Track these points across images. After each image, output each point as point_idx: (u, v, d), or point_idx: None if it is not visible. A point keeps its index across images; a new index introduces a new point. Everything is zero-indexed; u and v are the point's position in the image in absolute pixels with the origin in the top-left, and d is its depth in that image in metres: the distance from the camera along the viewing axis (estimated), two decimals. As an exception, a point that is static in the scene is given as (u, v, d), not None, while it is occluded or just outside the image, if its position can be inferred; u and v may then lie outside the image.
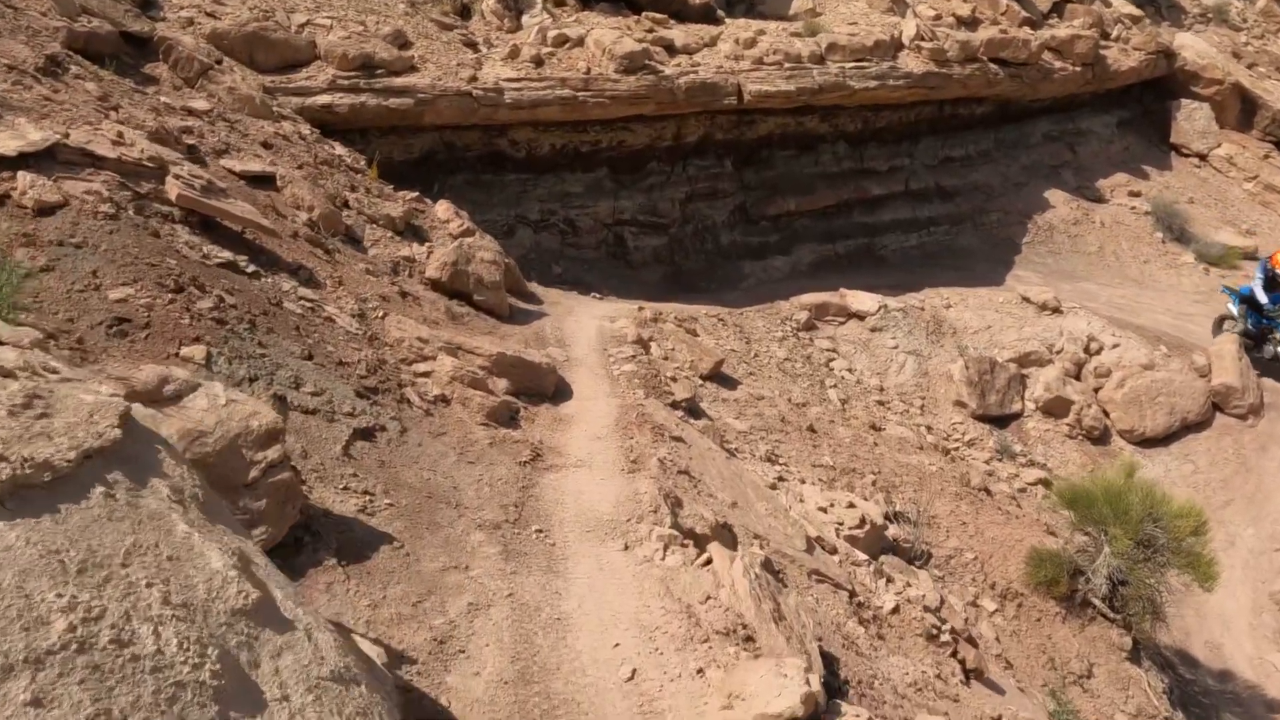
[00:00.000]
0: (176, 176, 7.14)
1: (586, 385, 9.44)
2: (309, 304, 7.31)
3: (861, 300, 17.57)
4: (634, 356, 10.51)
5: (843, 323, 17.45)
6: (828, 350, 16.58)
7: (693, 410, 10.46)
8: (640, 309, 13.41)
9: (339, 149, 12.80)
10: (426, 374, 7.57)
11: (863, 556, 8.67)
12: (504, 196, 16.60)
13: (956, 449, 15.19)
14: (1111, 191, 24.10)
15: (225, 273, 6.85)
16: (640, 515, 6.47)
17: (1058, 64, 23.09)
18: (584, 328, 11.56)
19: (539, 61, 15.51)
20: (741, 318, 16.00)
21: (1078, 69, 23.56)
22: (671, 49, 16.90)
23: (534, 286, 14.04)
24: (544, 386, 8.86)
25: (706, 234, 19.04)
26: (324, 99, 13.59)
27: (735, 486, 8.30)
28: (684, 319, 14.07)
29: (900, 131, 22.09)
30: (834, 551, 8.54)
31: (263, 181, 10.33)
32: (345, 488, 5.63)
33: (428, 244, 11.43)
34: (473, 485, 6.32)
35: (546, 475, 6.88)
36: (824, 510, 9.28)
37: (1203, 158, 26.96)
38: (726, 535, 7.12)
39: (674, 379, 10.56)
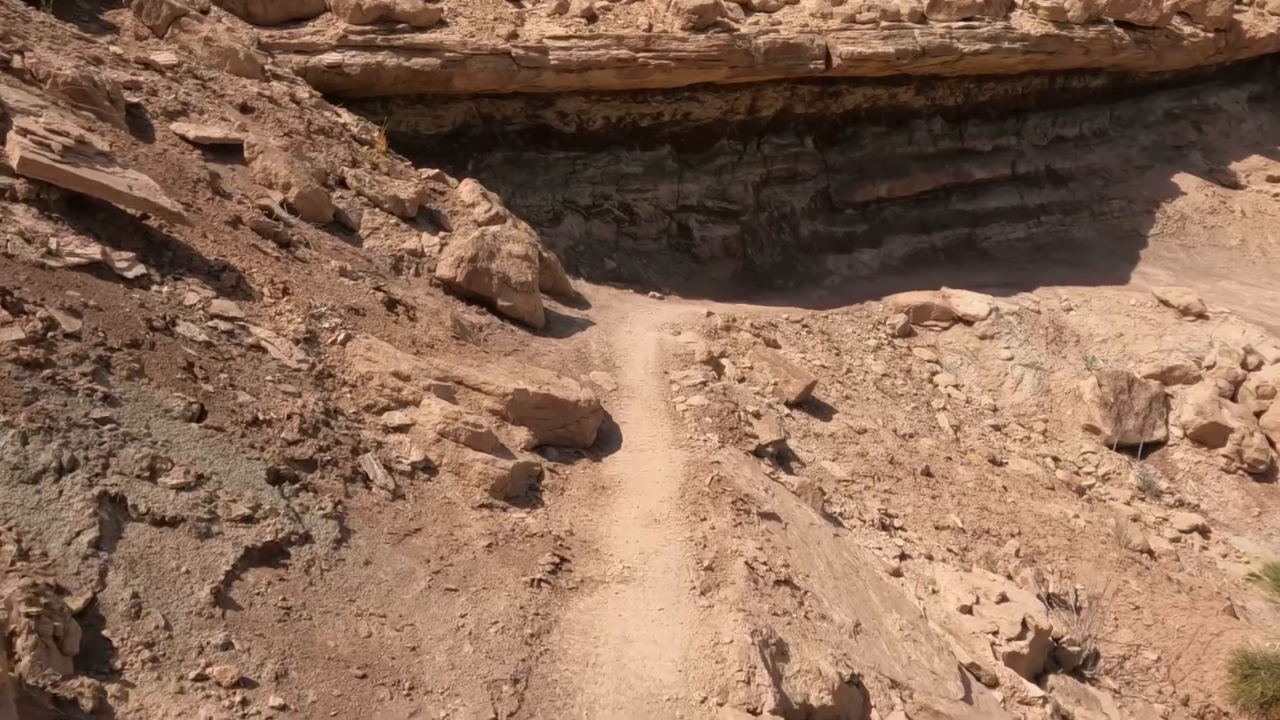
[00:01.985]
0: (23, 133, 4.64)
1: (641, 427, 6.86)
2: (225, 326, 4.78)
3: (968, 301, 14.65)
4: (703, 384, 7.83)
5: (946, 328, 14.56)
6: (929, 362, 13.72)
7: (781, 456, 7.82)
8: (708, 314, 10.73)
9: (344, 116, 10.31)
10: (403, 428, 5.01)
11: (1033, 691, 5.93)
12: (549, 178, 14.00)
13: (1092, 486, 12.27)
14: (1248, 176, 20.67)
15: (83, 279, 4.35)
16: (724, 688, 3.84)
17: (1186, 29, 19.72)
18: (640, 341, 8.91)
19: (592, 17, 12.85)
20: (828, 323, 13.21)
21: (1209, 35, 20.16)
22: (748, 5, 14.11)
23: (581, 285, 11.46)
24: (582, 433, 6.28)
25: (784, 223, 16.24)
26: (332, 58, 11.11)
27: (852, 590, 5.63)
28: (761, 326, 11.35)
29: (1005, 107, 19.00)
30: (994, 684, 5.84)
31: (226, 152, 7.90)
32: (199, 677, 3.08)
33: (442, 234, 8.88)
34: (445, 641, 3.73)
35: (572, 606, 4.27)
36: (968, 610, 6.57)
37: (1350, 138, 23.26)
38: (854, 698, 4.45)
39: (756, 415, 7.85)
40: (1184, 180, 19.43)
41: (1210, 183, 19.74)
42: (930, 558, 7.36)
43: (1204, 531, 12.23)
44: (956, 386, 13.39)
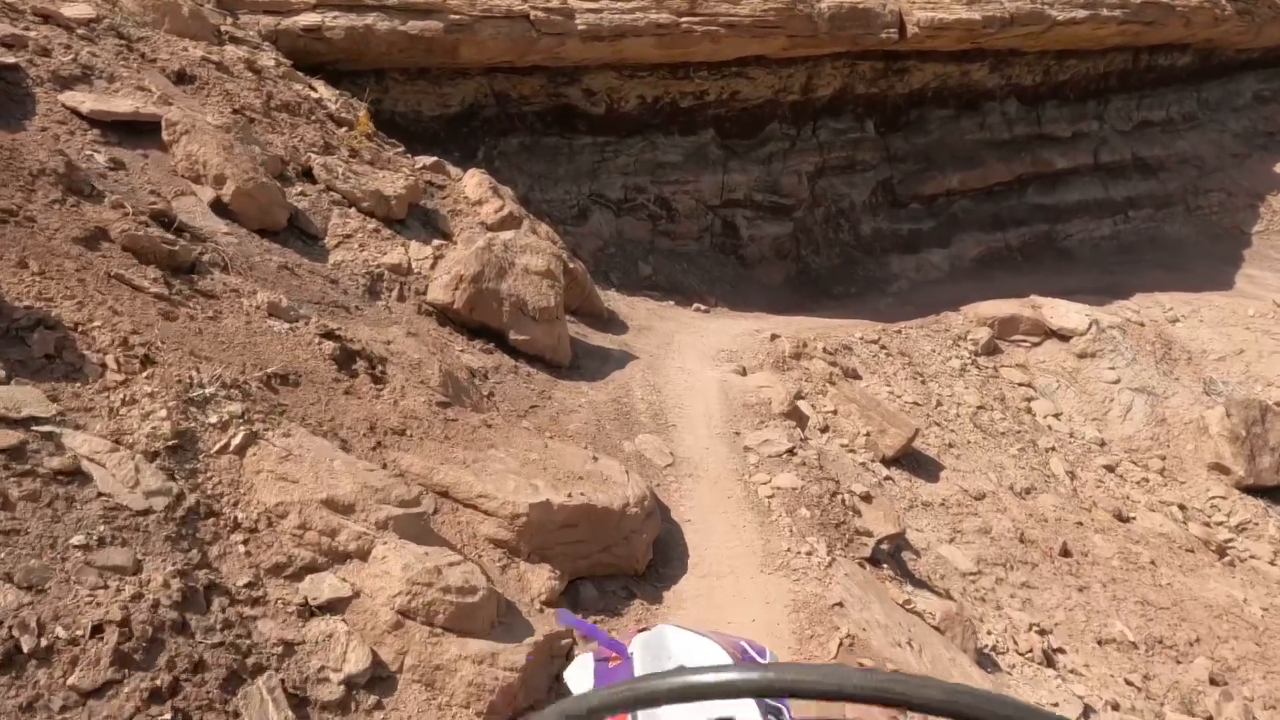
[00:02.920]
0: None
1: (715, 530, 4.68)
2: (12, 437, 2.61)
3: (1062, 313, 12.35)
4: (790, 451, 5.61)
5: (1037, 343, 12.26)
6: (1022, 385, 11.44)
7: (897, 552, 5.63)
8: (772, 337, 8.52)
9: (321, 90, 8.12)
10: (336, 607, 2.86)
11: None
12: (574, 168, 11.79)
13: (1230, 543, 10.01)
14: (1351, 167, 18.16)
15: None
16: None
17: (1289, 0, 17.25)
18: (696, 383, 6.69)
19: (626, -25, 10.61)
20: (904, 341, 10.94)
21: (1313, 7, 17.66)
22: (807, -36, 11.82)
23: (613, 298, 9.29)
24: (631, 555, 4.08)
25: (841, 219, 13.96)
26: (309, 19, 8.93)
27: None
28: (834, 350, 9.14)
29: (1086, 87, 16.61)
30: None
31: (138, 133, 5.77)
32: None
33: (437, 243, 6.68)
34: None
35: None
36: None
37: None
38: None
39: (865, 497, 5.64)
40: (1289, 171, 16.99)
41: (1316, 173, 17.28)
42: (1116, 707, 5.15)
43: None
44: (1056, 416, 11.10)
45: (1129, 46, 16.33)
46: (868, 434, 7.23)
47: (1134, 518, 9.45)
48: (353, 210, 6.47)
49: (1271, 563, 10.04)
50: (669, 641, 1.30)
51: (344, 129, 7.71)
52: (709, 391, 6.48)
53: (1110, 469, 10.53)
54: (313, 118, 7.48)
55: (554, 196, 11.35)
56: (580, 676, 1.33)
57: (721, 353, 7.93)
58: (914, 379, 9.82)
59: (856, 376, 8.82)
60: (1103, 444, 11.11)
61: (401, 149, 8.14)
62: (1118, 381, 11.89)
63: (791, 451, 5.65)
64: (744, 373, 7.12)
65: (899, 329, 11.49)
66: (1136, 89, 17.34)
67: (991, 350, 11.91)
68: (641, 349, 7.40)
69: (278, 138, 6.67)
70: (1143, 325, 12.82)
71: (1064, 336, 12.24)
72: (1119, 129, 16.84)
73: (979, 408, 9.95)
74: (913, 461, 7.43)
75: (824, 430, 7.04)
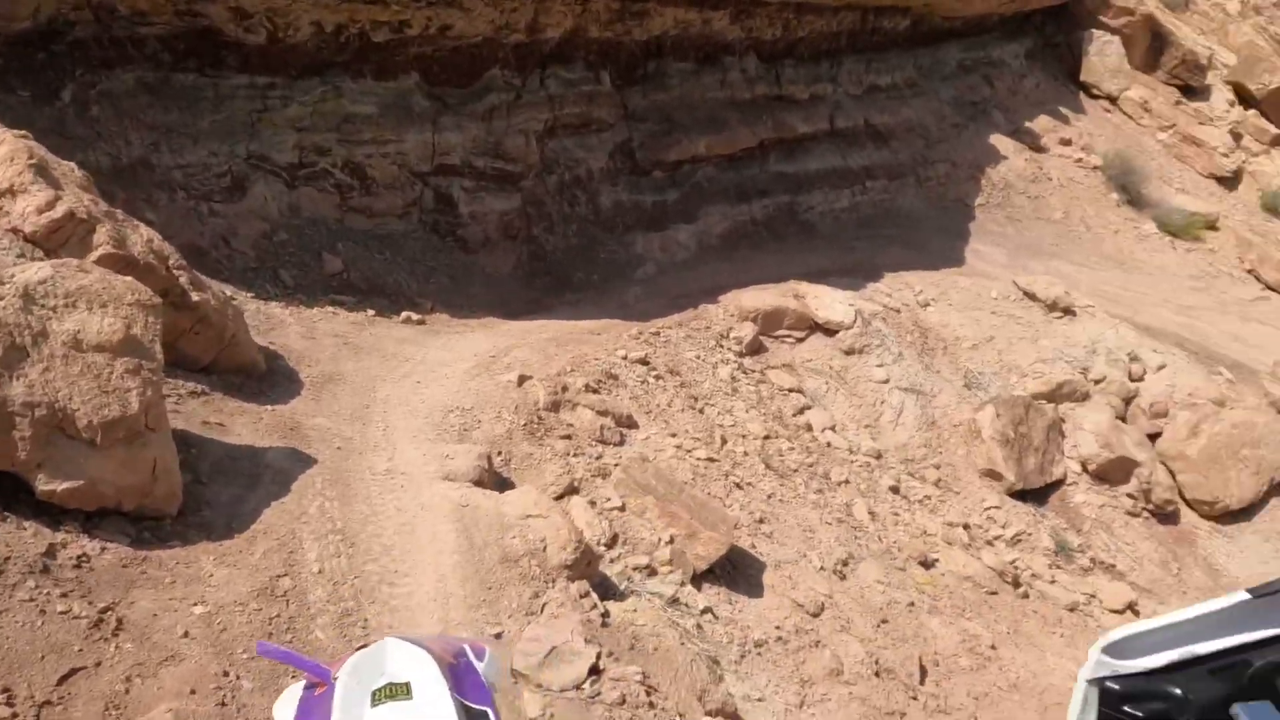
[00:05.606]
0: None
1: None
2: None
3: (827, 304, 10.71)
4: (594, 674, 3.06)
5: (801, 339, 10.54)
6: (792, 392, 9.66)
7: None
8: (522, 381, 5.86)
9: None
10: None
11: None
12: (222, 119, 8.26)
13: (1016, 565, 8.90)
14: (1043, 138, 18.47)
15: None
16: None
17: (995, -29, 16.95)
18: (418, 516, 3.82)
19: None
20: (668, 350, 8.69)
21: (1014, -20, 17.55)
22: None
23: (278, 319, 6.17)
24: None
25: (578, 190, 11.44)
26: None
27: None
28: (597, 384, 6.67)
29: (820, 46, 15.25)
30: None
31: None
32: None
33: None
34: None
35: None
36: None
37: (1113, 100, 21.96)
38: None
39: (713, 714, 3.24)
40: (1001, 143, 16.77)
41: (1021, 145, 17.24)
42: None
43: (1135, 609, 9.29)
44: (833, 429, 9.45)
45: (858, 5, 15.17)
46: (671, 540, 4.84)
47: (936, 559, 7.97)
48: None
49: (1051, 581, 9.09)
50: (386, 657, 1.10)
51: None
52: (442, 535, 3.72)
53: (895, 490, 9.05)
54: None
55: (193, 160, 7.81)
56: (287, 708, 1.20)
57: (452, 416, 5.18)
58: (690, 408, 7.58)
59: (633, 425, 6.40)
60: (879, 455, 9.65)
61: None
62: (887, 381, 10.50)
63: (596, 671, 3.08)
64: (492, 474, 4.40)
65: (658, 330, 9.22)
66: (864, 51, 16.31)
67: (756, 349, 10.02)
68: (321, 438, 4.44)
69: None
70: (898, 312, 11.57)
71: (830, 330, 10.65)
72: (851, 93, 15.69)
73: (765, 438, 7.94)
74: (729, 570, 5.17)
75: (611, 543, 4.57)
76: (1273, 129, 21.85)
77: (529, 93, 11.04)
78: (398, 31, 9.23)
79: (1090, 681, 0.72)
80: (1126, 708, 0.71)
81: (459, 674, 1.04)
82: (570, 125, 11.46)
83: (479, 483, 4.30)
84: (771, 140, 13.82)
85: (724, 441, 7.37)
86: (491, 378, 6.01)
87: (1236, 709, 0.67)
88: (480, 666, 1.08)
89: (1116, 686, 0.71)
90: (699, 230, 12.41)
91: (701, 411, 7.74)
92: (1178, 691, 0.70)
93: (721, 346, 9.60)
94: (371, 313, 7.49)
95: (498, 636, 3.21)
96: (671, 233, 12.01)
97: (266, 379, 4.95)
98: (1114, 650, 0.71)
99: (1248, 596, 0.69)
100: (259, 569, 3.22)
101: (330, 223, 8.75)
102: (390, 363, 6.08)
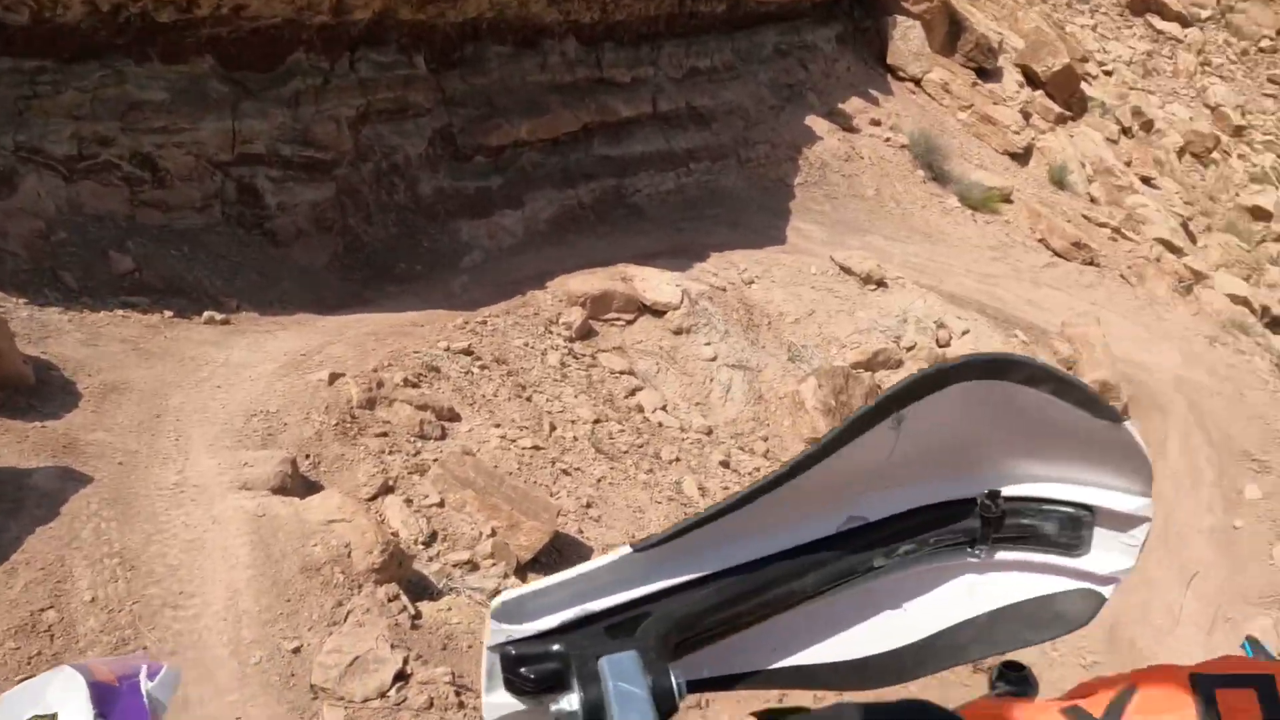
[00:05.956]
0: None
1: None
2: None
3: (655, 285, 10.83)
4: (400, 681, 2.94)
5: (631, 321, 10.63)
6: (624, 374, 9.73)
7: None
8: (333, 379, 5.59)
9: None
10: None
11: None
12: (-18, 107, 7.48)
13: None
14: (855, 118, 19.33)
15: None
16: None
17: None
18: (209, 531, 3.59)
19: None
20: (495, 338, 8.55)
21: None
22: None
23: (55, 324, 5.64)
24: None
25: (396, 178, 11.07)
26: None
27: None
28: (416, 377, 6.47)
29: (639, 30, 15.36)
30: None
31: None
32: None
33: None
34: None
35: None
36: None
37: (917, 82, 23.26)
38: None
39: None
40: (816, 124, 17.41)
41: (835, 126, 17.97)
42: None
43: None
44: (664, 408, 9.59)
45: (678, -15, 15.39)
46: (493, 533, 4.76)
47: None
48: None
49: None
50: (49, 687, 0.92)
51: None
52: (235, 550, 3.50)
53: (725, 465, 9.29)
54: None
55: (-54, 154, 7.03)
56: None
57: (255, 420, 4.88)
58: (518, 397, 7.49)
59: (455, 418, 6.25)
60: (709, 431, 9.88)
61: None
62: (715, 358, 10.75)
63: (403, 677, 2.97)
64: (298, 479, 4.17)
65: (484, 319, 9.07)
66: (684, 35, 16.54)
67: (586, 334, 10.03)
68: (100, 454, 4.08)
69: None
70: (725, 291, 11.86)
71: (658, 312, 10.78)
72: (672, 76, 15.89)
73: (595, 422, 7.96)
74: (555, 558, 5.12)
75: (430, 541, 4.44)
76: (1057, 108, 23.68)
77: (338, 77, 10.56)
78: (185, 11, 8.60)
79: (490, 649, 0.75)
80: (522, 670, 0.75)
81: (117, 696, 0.96)
82: (385, 111, 11.05)
83: (281, 490, 4.06)
84: (595, 123, 13.82)
85: (552, 428, 7.32)
86: (301, 377, 5.72)
87: (602, 661, 0.71)
88: (148, 686, 1.00)
89: (513, 651, 0.74)
90: (526, 216, 12.27)
91: (529, 400, 7.66)
92: (562, 649, 0.74)
93: (550, 333, 9.54)
94: (169, 314, 6.98)
95: (296, 651, 3.02)
96: (497, 219, 11.82)
97: (36, 393, 4.50)
98: (503, 615, 0.75)
99: (630, 551, 0.76)
100: (18, 604, 2.92)
101: (119, 219, 8.08)
102: (187, 367, 5.67)
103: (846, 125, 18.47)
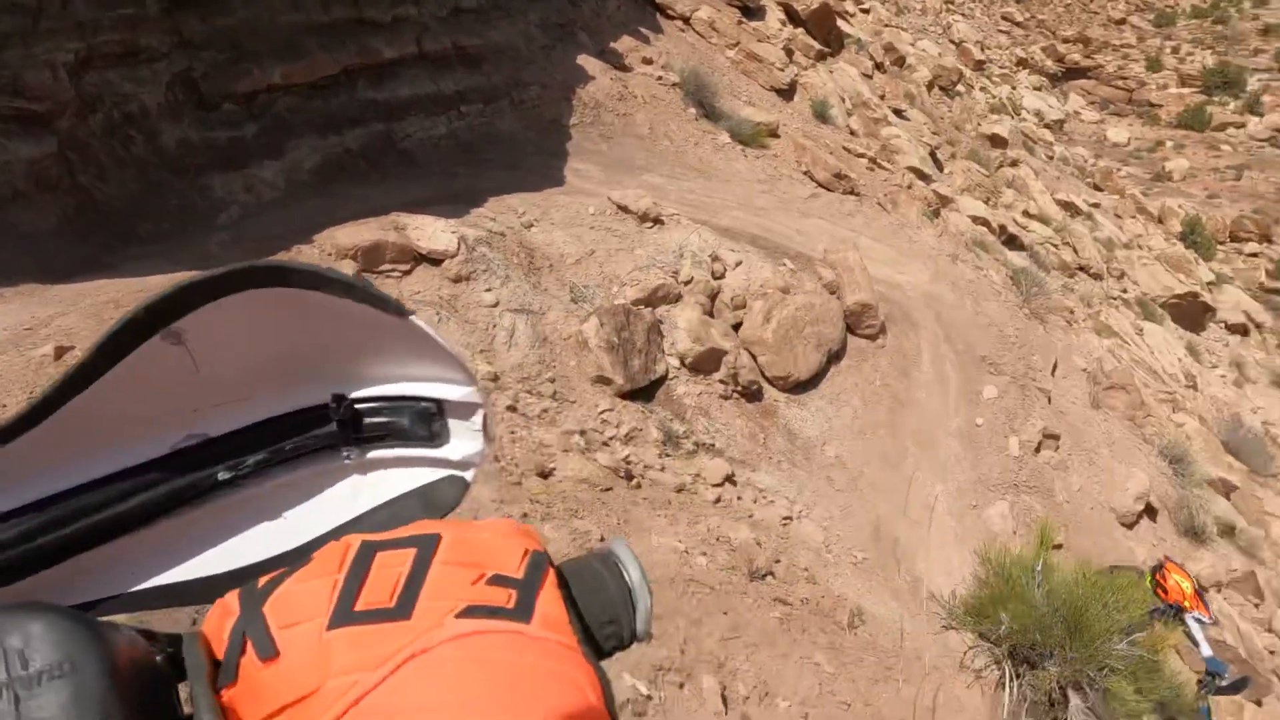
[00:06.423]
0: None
1: None
2: None
3: (430, 234, 10.54)
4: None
5: (407, 271, 10.31)
6: (402, 326, 9.49)
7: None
8: (60, 353, 5.08)
9: None
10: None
11: None
12: None
13: (628, 460, 9.58)
14: (627, 57, 19.50)
15: None
16: None
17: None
18: None
19: None
20: (256, 297, 8.10)
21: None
22: None
23: None
24: None
25: (132, 129, 10.10)
26: None
27: None
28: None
29: (398, -34, 14.66)
30: None
31: None
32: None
33: None
34: None
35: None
36: None
37: (686, 20, 23.73)
38: None
39: None
40: (588, 63, 17.40)
41: (608, 65, 18.03)
42: None
43: (732, 479, 10.53)
44: (447, 358, 9.45)
45: (435, -77, 14.74)
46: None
47: (554, 469, 8.37)
48: None
49: (661, 470, 9.97)
50: None
51: None
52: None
53: (513, 409, 9.32)
54: None
55: None
56: None
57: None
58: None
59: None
60: (496, 378, 9.85)
61: None
62: (497, 304, 10.66)
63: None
64: None
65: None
66: (446, -29, 15.92)
67: (360, 287, 9.67)
68: None
69: None
70: (504, 235, 11.74)
71: (435, 260, 10.54)
72: (437, 15, 15.33)
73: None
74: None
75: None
76: (817, 45, 24.78)
77: (50, 18, 9.43)
78: None
79: None
80: None
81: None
82: (111, 55, 10.02)
83: None
84: (357, 66, 13.16)
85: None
86: (21, 354, 5.18)
87: None
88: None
89: None
90: (286, 166, 11.58)
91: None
92: None
93: (320, 288, 9.12)
94: None
95: None
96: (254, 171, 11.08)
97: None
98: None
99: None
100: None
101: None
102: None
103: (619, 64, 18.58)
